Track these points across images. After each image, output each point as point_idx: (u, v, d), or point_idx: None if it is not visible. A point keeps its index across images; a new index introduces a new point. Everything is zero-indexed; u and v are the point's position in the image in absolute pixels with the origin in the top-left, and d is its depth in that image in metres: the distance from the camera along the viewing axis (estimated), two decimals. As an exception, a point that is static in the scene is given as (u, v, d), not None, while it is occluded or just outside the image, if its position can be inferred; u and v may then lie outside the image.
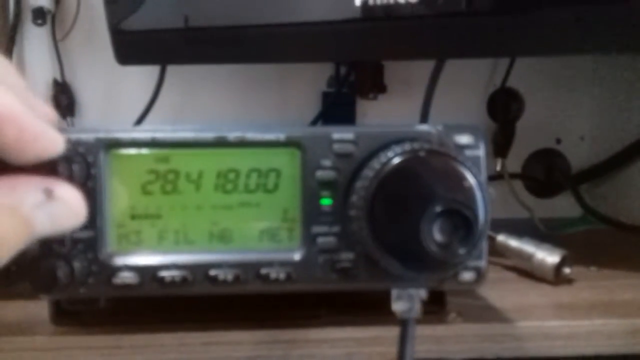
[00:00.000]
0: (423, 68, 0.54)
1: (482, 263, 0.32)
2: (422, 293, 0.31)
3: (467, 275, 0.32)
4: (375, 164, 0.29)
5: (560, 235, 0.58)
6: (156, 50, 0.53)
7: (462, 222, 0.28)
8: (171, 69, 0.62)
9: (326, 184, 0.31)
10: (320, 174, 0.31)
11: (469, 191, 0.28)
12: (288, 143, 0.31)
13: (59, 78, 0.67)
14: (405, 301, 0.30)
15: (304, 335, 0.34)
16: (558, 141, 0.70)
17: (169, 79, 0.62)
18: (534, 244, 0.46)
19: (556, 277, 0.43)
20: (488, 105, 0.69)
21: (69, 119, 0.67)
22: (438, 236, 0.28)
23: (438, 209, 0.27)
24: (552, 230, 0.58)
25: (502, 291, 0.41)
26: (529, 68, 0.68)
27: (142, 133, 0.31)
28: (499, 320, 0.36)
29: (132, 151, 0.31)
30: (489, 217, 0.28)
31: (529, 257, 0.45)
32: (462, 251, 0.28)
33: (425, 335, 0.34)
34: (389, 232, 0.28)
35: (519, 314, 0.37)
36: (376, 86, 0.66)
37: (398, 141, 0.30)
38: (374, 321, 0.35)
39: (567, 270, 0.43)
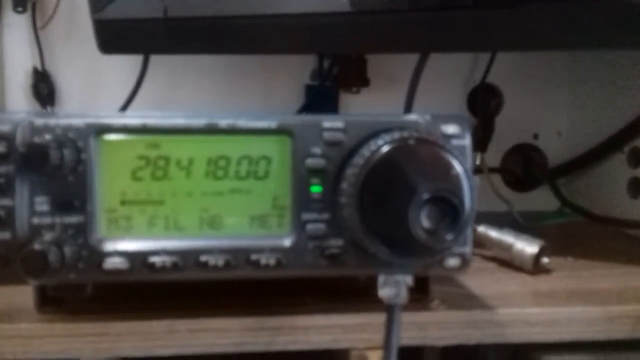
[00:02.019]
0: (406, 62, 0.55)
1: (467, 249, 0.32)
2: (408, 279, 0.31)
3: (453, 261, 0.32)
4: (365, 151, 0.29)
5: (538, 227, 0.59)
6: (138, 39, 0.52)
7: (449, 209, 0.28)
8: (154, 59, 0.62)
9: (316, 172, 0.32)
10: (310, 161, 0.32)
11: (456, 179, 0.29)
12: (279, 131, 0.32)
13: (39, 67, 0.66)
14: (392, 287, 0.31)
15: (290, 322, 0.34)
16: (536, 136, 0.71)
17: (152, 69, 0.61)
18: (514, 235, 0.46)
19: (535, 266, 0.44)
20: (468, 101, 0.70)
21: (49, 108, 0.66)
22: (425, 222, 0.28)
23: (426, 196, 0.28)
24: (530, 223, 0.59)
25: (482, 280, 0.41)
26: (508, 65, 0.69)
27: (133, 119, 0.31)
28: (481, 307, 0.37)
29: (123, 137, 0.31)
30: (474, 204, 0.29)
31: (508, 247, 0.46)
32: (449, 237, 0.28)
33: (409, 322, 0.34)
34: (377, 219, 0.29)
35: (500, 301, 0.37)
36: (359, 80, 0.66)
37: (387, 130, 0.30)
38: (359, 308, 0.35)
39: (545, 260, 0.44)
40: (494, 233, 0.48)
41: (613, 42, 0.43)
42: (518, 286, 0.42)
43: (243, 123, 0.31)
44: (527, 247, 0.45)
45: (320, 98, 0.68)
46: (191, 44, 0.51)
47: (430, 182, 0.28)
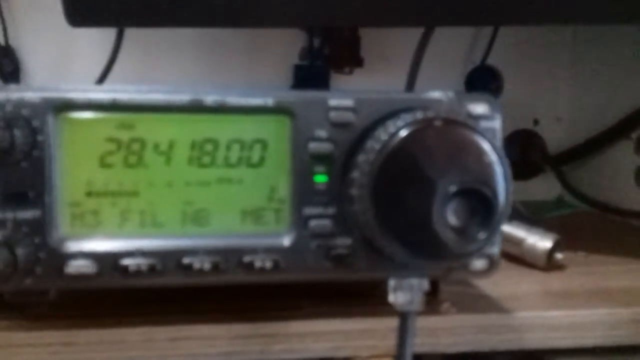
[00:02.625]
0: (401, 42, 0.53)
1: (495, 250, 0.30)
2: (425, 283, 0.28)
3: (479, 264, 0.30)
4: (382, 134, 0.26)
5: (539, 219, 0.57)
6: (111, 11, 0.49)
7: (480, 203, 0.25)
8: (130, 33, 0.58)
9: (321, 158, 0.29)
10: (313, 146, 0.29)
11: (488, 168, 0.26)
12: (276, 110, 0.29)
13: (1, 41, 0.61)
14: (406, 292, 0.27)
15: (285, 328, 0.32)
16: (536, 122, 0.69)
17: (127, 45, 0.58)
18: (525, 229, 0.44)
19: (548, 263, 0.42)
20: (466, 83, 0.67)
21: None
22: (453, 219, 0.25)
23: (453, 188, 0.25)
24: (535, 215, 0.57)
25: (493, 278, 0.38)
26: (508, 46, 0.67)
27: (101, 93, 0.28)
28: (496, 310, 0.34)
29: (89, 115, 0.28)
30: (510, 197, 0.25)
31: (519, 242, 0.43)
32: (480, 236, 0.25)
33: (418, 327, 0.32)
34: (395, 215, 0.26)
35: (515, 302, 0.35)
36: (352, 59, 0.64)
37: (405, 109, 0.27)
38: (362, 312, 0.33)
39: (559, 255, 0.42)
40: (503, 226, 0.45)
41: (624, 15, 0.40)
42: (532, 285, 0.40)
43: (233, 100, 0.28)
44: (540, 241, 0.42)
45: (310, 79, 0.65)
46: (167, 16, 0.47)
47: (459, 172, 0.25)
